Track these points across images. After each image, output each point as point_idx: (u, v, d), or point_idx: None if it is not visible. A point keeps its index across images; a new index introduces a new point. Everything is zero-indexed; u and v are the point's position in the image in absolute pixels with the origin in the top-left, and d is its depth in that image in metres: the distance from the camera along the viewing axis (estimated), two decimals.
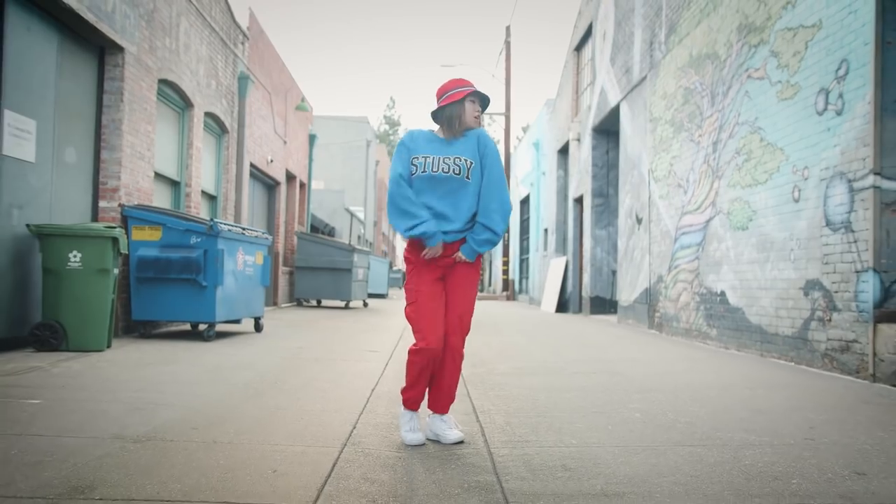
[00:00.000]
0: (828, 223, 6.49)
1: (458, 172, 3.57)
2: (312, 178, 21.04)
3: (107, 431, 3.71)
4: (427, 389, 3.78)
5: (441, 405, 3.78)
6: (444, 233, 3.62)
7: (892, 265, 5.80)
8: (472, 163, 3.61)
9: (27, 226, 6.82)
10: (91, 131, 8.29)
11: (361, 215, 36.01)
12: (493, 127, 69.52)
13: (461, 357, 3.75)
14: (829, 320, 6.42)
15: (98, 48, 8.33)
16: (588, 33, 17.08)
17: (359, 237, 33.80)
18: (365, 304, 19.62)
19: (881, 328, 5.73)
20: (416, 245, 3.70)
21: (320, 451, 3.47)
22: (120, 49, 8.40)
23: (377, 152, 45.15)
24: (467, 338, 3.79)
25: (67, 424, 3.84)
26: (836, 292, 6.32)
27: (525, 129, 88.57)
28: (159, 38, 9.43)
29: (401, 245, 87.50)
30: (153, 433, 3.71)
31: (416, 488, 2.98)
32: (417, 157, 3.61)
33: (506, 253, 29.07)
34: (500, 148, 76.63)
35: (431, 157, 3.59)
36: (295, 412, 4.45)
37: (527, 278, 27.07)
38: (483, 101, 3.72)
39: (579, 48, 18.24)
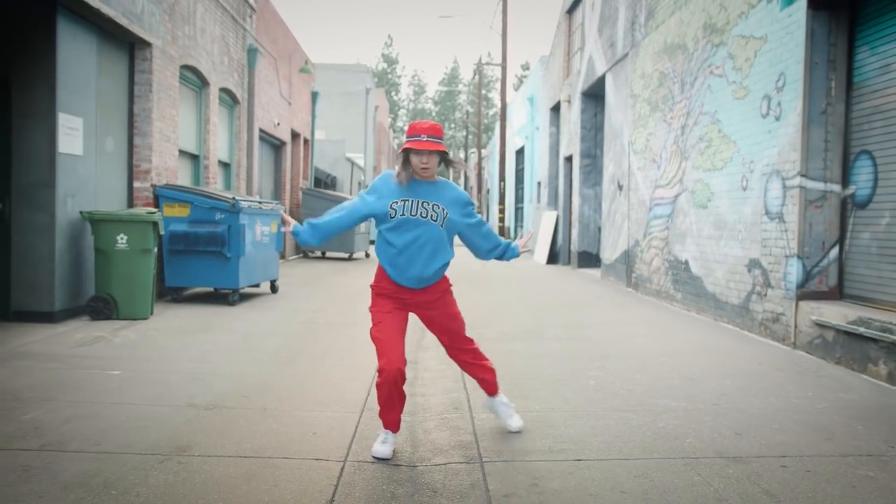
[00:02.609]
0: (766, 212, 7.59)
1: (434, 219, 3.83)
2: (314, 131, 21.96)
3: (181, 400, 4.89)
4: (403, 406, 4.01)
5: (489, 389, 4.35)
6: (419, 279, 3.91)
7: (813, 253, 6.93)
8: (447, 213, 3.86)
9: (80, 212, 7.92)
10: (125, 120, 9.31)
11: (361, 162, 36.87)
12: (489, 67, 69.46)
13: (481, 356, 4.24)
14: (765, 295, 7.58)
15: (128, 44, 9.27)
16: None
17: (359, 184, 34.76)
18: (367, 255, 20.81)
19: (801, 305, 6.89)
20: (381, 277, 3.98)
21: (345, 417, 4.65)
22: (148, 44, 9.35)
23: (376, 97, 45.71)
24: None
25: (148, 394, 5.02)
26: (771, 272, 7.47)
27: (524, 67, 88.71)
28: (180, 28, 10.34)
29: None
30: (216, 401, 4.89)
31: (417, 445, 4.16)
32: (396, 202, 3.81)
33: (502, 201, 30.12)
34: (496, 98, 75.62)
35: (411, 201, 3.81)
36: (320, 380, 5.63)
37: (521, 227, 28.19)
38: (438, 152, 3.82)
39: (571, 11, 18.98)
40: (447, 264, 4.02)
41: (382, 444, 3.95)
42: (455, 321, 4.17)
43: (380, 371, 3.81)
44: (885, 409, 4.97)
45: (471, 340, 4.28)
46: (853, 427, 4.53)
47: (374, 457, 3.89)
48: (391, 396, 3.86)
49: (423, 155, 3.80)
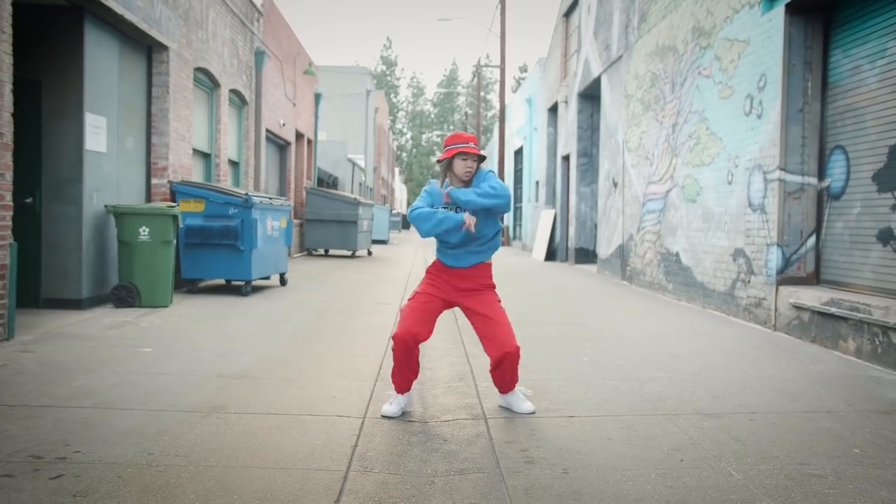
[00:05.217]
0: (750, 204, 8.11)
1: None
2: (317, 132, 22.48)
3: (211, 372, 5.39)
4: (414, 374, 4.43)
5: (503, 388, 4.50)
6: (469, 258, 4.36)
7: (791, 241, 7.44)
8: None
9: (105, 206, 8.42)
10: (143, 120, 9.82)
11: (362, 163, 37.43)
12: (488, 70, 70.01)
13: (517, 357, 4.33)
14: (749, 282, 8.09)
15: (146, 47, 9.78)
16: (576, 2, 18.33)
17: (360, 184, 35.31)
18: (369, 253, 21.31)
19: (781, 290, 7.40)
20: (434, 267, 4.45)
21: (361, 385, 5.15)
22: (165, 48, 9.85)
23: (376, 99, 46.26)
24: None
25: (181, 367, 5.52)
26: (754, 260, 7.98)
27: (522, 70, 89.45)
28: (194, 32, 10.85)
29: (400, 187, 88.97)
30: (243, 373, 5.39)
31: (427, 407, 4.66)
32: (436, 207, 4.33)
33: None
34: (495, 100, 76.12)
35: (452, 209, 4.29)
36: (335, 356, 6.13)
37: (520, 225, 28.69)
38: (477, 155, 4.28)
39: (568, 14, 19.51)
40: (488, 247, 4.43)
41: (390, 404, 4.45)
42: (493, 310, 4.38)
43: (394, 337, 4.30)
44: (849, 378, 5.48)
45: (516, 346, 4.32)
46: (818, 391, 5.04)
47: (382, 415, 4.38)
48: (403, 360, 4.34)
49: (470, 160, 4.30)
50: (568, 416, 4.40)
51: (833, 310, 6.42)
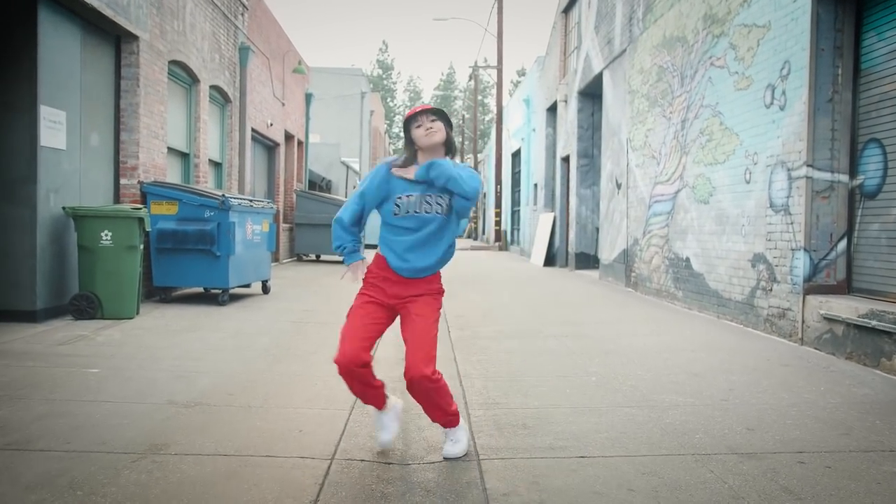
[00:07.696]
0: (771, 205, 7.37)
1: (440, 211, 3.49)
2: (308, 133, 21.74)
3: (161, 398, 4.64)
4: (379, 387, 3.65)
5: (439, 422, 3.71)
6: (416, 270, 3.54)
7: (820, 245, 6.70)
8: (451, 202, 3.52)
9: (63, 208, 7.67)
10: (111, 115, 9.06)
11: (356, 166, 36.67)
12: (485, 73, 69.40)
13: (433, 383, 3.45)
14: (770, 290, 7.35)
15: (115, 37, 9.03)
16: None
17: (354, 188, 34.59)
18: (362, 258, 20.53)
19: (809, 299, 6.66)
20: (377, 266, 3.63)
21: (334, 413, 4.40)
22: (135, 38, 9.11)
23: (371, 102, 45.52)
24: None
25: (128, 392, 4.77)
26: (777, 266, 7.23)
27: (520, 73, 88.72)
28: (168, 23, 10.10)
29: None
30: (198, 399, 4.64)
31: (410, 444, 3.91)
32: (401, 197, 3.48)
33: (498, 204, 29.91)
34: (493, 104, 75.06)
35: (414, 197, 3.47)
36: (310, 377, 5.38)
37: (518, 230, 27.92)
38: (437, 113, 3.51)
39: (567, 10, 18.78)
40: (450, 252, 3.66)
41: (380, 430, 3.71)
42: (426, 322, 3.51)
43: (335, 362, 3.44)
44: None
45: (434, 366, 3.46)
46: (871, 422, 4.29)
47: (379, 444, 3.72)
48: (352, 386, 3.53)
49: (423, 126, 3.45)
50: (578, 457, 3.65)
51: (874, 323, 5.67)
